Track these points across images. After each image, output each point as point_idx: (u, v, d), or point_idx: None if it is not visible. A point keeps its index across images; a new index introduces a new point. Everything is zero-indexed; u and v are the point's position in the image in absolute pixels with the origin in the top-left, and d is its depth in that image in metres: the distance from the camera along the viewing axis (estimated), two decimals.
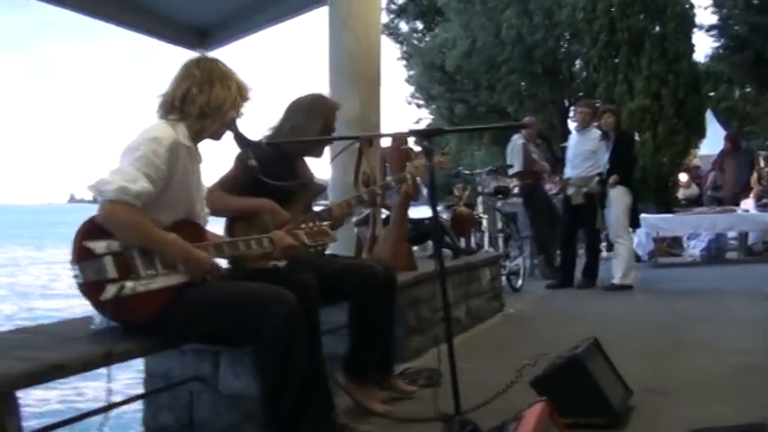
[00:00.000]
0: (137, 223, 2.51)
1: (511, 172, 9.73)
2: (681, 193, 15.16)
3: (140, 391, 3.44)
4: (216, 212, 3.16)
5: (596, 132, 8.50)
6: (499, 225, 8.94)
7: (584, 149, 8.52)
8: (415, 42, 27.17)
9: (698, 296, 7.78)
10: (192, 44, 10.85)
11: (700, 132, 15.63)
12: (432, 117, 26.68)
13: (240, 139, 2.85)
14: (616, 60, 15.96)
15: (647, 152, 14.69)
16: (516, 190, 9.77)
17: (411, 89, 27.01)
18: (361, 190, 4.84)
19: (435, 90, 23.34)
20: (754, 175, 12.79)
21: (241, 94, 2.83)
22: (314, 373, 2.77)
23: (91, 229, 2.51)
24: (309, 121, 3.60)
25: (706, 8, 21.53)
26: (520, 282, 8.51)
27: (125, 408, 3.13)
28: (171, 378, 3.35)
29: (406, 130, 2.96)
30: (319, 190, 3.74)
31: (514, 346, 5.17)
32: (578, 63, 21.85)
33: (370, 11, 6.09)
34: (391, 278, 3.64)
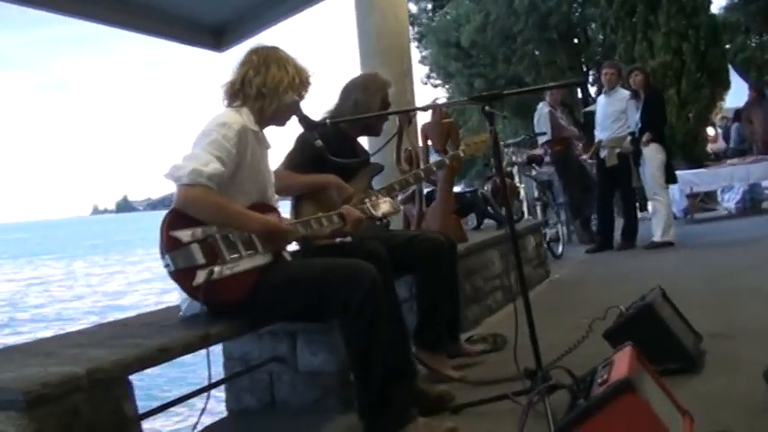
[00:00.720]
0: (214, 202, 2.62)
1: (541, 140, 9.75)
2: (709, 148, 15.10)
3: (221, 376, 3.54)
4: (282, 191, 3.28)
5: (624, 92, 8.51)
6: (536, 193, 9.00)
7: (613, 110, 8.54)
8: (427, 22, 27.16)
9: (741, 246, 7.79)
10: (209, 44, 10.94)
11: (724, 84, 15.52)
12: (449, 95, 26.70)
13: (305, 121, 2.94)
14: (633, 20, 15.85)
15: (672, 108, 14.57)
16: (548, 158, 9.81)
17: (425, 69, 27.05)
18: (404, 167, 4.94)
19: (453, 67, 23.37)
20: None
21: (300, 76, 2.92)
22: (397, 339, 2.86)
23: (174, 220, 2.61)
24: (368, 99, 3.69)
25: None
26: (560, 248, 8.57)
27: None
28: (250, 361, 3.44)
29: (464, 98, 3.01)
30: (378, 169, 3.82)
31: (568, 308, 5.23)
32: (594, 26, 21.71)
33: None
34: (453, 246, 3.75)
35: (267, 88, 2.85)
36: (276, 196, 3.09)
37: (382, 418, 2.64)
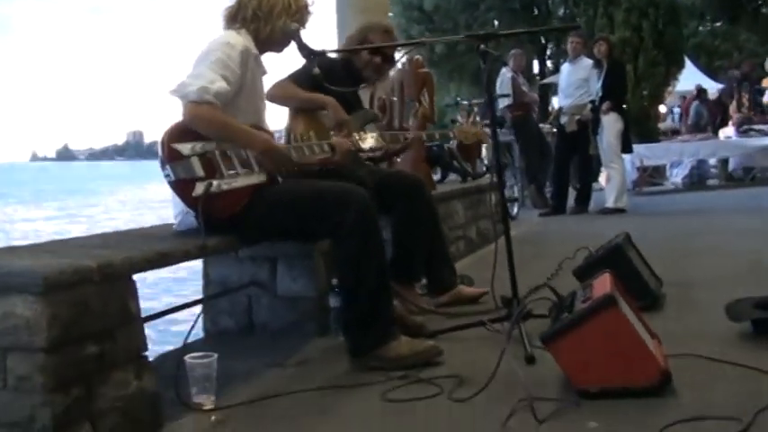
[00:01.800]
0: (220, 119, 2.72)
1: (501, 104, 9.89)
2: (660, 125, 15.50)
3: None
4: (281, 100, 3.41)
5: (588, 61, 8.69)
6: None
7: (576, 78, 8.72)
8: None
9: (689, 215, 8.11)
10: None
11: (679, 64, 15.86)
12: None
13: (304, 48, 3.01)
14: None
15: (628, 84, 14.88)
16: (507, 122, 9.96)
17: None
18: (379, 114, 5.03)
19: (414, 30, 23.38)
20: (733, 104, 13.13)
21: (296, 2, 2.99)
22: (381, 261, 2.98)
23: (177, 132, 2.69)
24: (353, 42, 3.79)
25: None
26: (516, 209, 8.76)
27: (182, 316, 3.34)
28: (229, 285, 3.52)
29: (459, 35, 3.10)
30: (372, 117, 3.92)
31: (530, 259, 5.39)
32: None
33: None
34: (426, 185, 3.88)
35: (262, 11, 2.93)
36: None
37: (367, 333, 2.76)
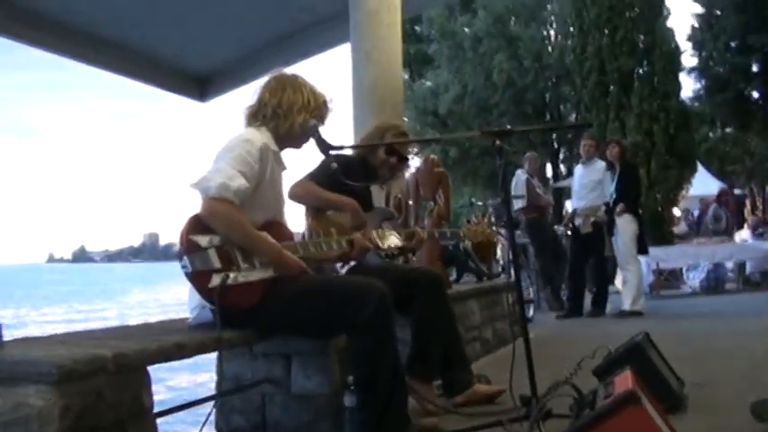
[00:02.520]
0: (237, 221, 2.74)
1: (515, 206, 9.95)
2: (675, 229, 15.51)
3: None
4: (302, 199, 3.42)
5: (601, 163, 8.78)
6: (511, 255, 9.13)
7: (589, 180, 8.78)
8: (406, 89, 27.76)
9: (707, 318, 8.01)
10: (193, 93, 11.09)
11: (692, 167, 16.04)
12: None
13: (322, 144, 3.06)
14: (607, 100, 16.42)
15: (642, 187, 15.03)
16: (522, 224, 9.99)
17: None
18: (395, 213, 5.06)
19: (429, 134, 23.83)
20: (748, 206, 13.16)
21: (315, 99, 3.07)
22: (396, 363, 2.93)
23: (195, 225, 2.71)
24: (369, 140, 3.86)
25: (683, 51, 22.20)
26: (531, 311, 8.68)
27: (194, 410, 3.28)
28: (242, 381, 3.48)
29: (475, 131, 3.15)
30: (389, 215, 3.95)
31: (548, 359, 5.30)
32: (568, 105, 22.34)
33: (392, 44, 6.36)
34: (444, 282, 3.86)
35: (282, 109, 3.00)
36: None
37: (382, 430, 2.70)
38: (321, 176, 3.57)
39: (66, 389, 1.95)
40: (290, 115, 3.01)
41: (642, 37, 16.60)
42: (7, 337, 2.34)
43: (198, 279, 2.66)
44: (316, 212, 3.63)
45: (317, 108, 3.08)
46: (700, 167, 16.71)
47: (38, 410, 1.93)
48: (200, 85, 10.93)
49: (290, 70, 3.20)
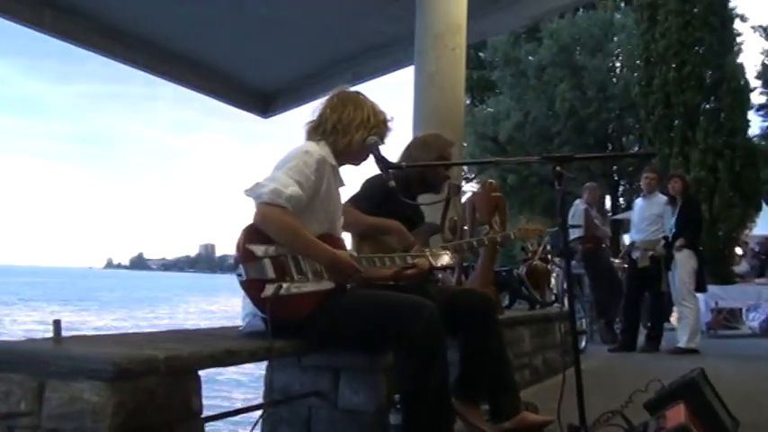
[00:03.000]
0: (289, 224, 2.76)
1: (572, 236, 9.84)
2: (735, 269, 15.14)
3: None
4: (347, 226, 3.41)
5: (662, 197, 8.65)
6: (565, 285, 9.04)
7: (650, 214, 8.65)
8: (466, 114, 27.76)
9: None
10: (257, 108, 11.29)
11: (756, 206, 15.67)
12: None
13: (383, 161, 3.08)
14: (671, 134, 16.18)
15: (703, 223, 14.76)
16: (578, 254, 9.88)
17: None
18: (447, 236, 5.06)
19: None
20: None
21: (375, 117, 3.10)
22: (445, 382, 2.92)
23: (252, 234, 2.75)
24: (427, 156, 3.85)
25: (753, 89, 21.77)
26: (584, 342, 8.55)
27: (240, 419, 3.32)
28: (290, 393, 3.50)
29: (535, 156, 3.15)
30: (436, 229, 3.96)
31: (599, 391, 5.22)
32: (630, 137, 22.07)
33: (456, 68, 6.40)
34: (495, 304, 3.84)
35: (341, 124, 3.05)
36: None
37: None
38: (362, 199, 3.58)
39: (119, 386, 1.99)
40: (349, 131, 3.04)
41: (710, 72, 16.34)
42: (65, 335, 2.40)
43: (252, 288, 2.69)
44: (360, 238, 3.64)
45: (377, 126, 3.11)
46: (764, 206, 16.30)
47: (92, 406, 1.97)
48: (264, 101, 11.14)
49: (353, 89, 3.24)
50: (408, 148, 3.97)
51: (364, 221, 3.57)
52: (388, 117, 3.17)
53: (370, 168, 3.21)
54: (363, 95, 3.17)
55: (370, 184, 3.67)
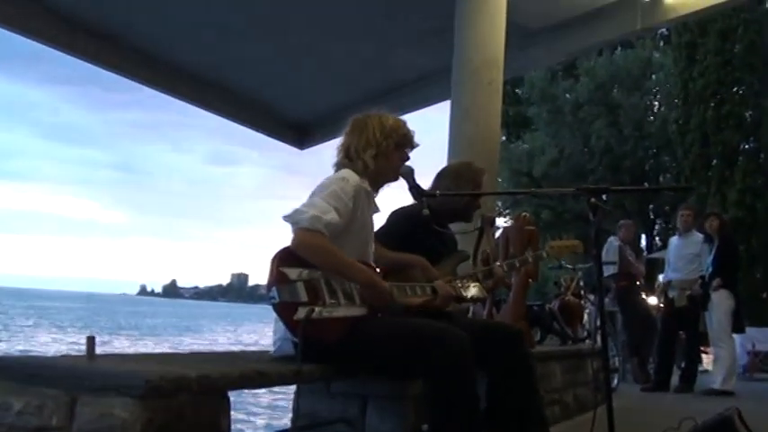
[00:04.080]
0: (328, 248, 2.79)
1: (606, 273, 9.74)
2: None
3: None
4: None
5: (699, 236, 8.55)
6: (598, 322, 8.94)
7: (687, 252, 8.56)
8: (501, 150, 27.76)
9: None
10: (293, 140, 11.39)
11: None
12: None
13: (416, 188, 3.10)
14: (709, 173, 16.06)
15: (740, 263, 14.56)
16: (611, 293, 9.77)
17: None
18: (479, 269, 5.04)
19: (522, 196, 23.72)
20: None
21: (383, 130, 3.12)
22: (474, 413, 2.90)
23: (286, 257, 2.77)
24: (458, 185, 3.86)
25: None
26: (616, 381, 8.43)
27: None
28: (317, 419, 3.49)
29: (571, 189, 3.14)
30: (464, 257, 3.95)
31: (631, 429, 5.15)
32: (667, 175, 21.90)
33: (492, 102, 6.43)
34: (525, 337, 3.80)
35: (352, 150, 3.10)
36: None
37: None
38: (387, 234, 3.59)
39: (150, 403, 2.00)
40: (359, 155, 3.08)
41: (750, 112, 16.23)
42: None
43: (284, 311, 2.71)
44: (383, 274, 3.64)
45: (388, 137, 3.11)
46: None
47: (122, 421, 1.99)
48: (301, 132, 11.24)
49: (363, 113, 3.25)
50: (440, 177, 3.97)
51: (387, 256, 3.55)
52: (401, 123, 3.18)
53: (402, 199, 3.23)
54: (371, 115, 3.19)
55: (396, 218, 3.67)
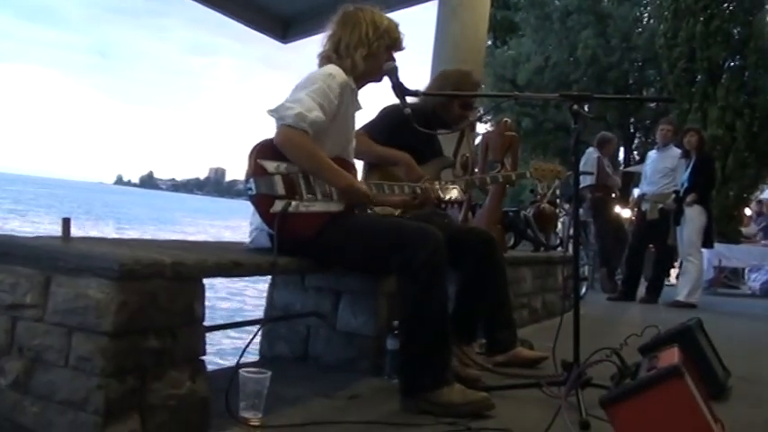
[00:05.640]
0: (310, 149, 2.77)
1: (583, 184, 9.80)
2: (742, 229, 15.14)
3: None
4: (358, 154, 3.40)
5: (676, 150, 8.58)
6: (571, 230, 9.05)
7: (663, 166, 8.60)
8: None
9: (765, 320, 7.82)
10: (276, 33, 11.13)
11: None
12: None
13: (398, 87, 3.06)
14: (692, 89, 16.00)
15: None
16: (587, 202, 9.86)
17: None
18: (458, 172, 5.05)
19: (505, 102, 23.53)
20: None
21: (376, 30, 3.05)
22: (444, 311, 2.95)
23: (265, 150, 2.76)
24: (442, 86, 3.84)
25: None
26: (584, 289, 8.60)
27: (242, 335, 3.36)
28: (290, 312, 3.55)
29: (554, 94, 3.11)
30: (449, 163, 3.95)
31: (595, 334, 5.27)
32: (651, 89, 21.82)
33: (481, 2, 6.31)
34: (497, 243, 3.85)
35: (342, 47, 3.03)
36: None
37: (422, 374, 2.73)
38: (376, 131, 3.58)
39: (124, 286, 2.02)
40: (349, 52, 3.02)
41: (738, 29, 16.06)
42: None
43: (261, 202, 2.71)
44: (369, 167, 3.64)
45: (380, 38, 3.05)
46: None
47: (96, 302, 2.01)
48: (284, 25, 10.97)
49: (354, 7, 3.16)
50: (433, 79, 3.96)
51: (374, 150, 3.56)
52: (394, 24, 3.12)
53: (389, 97, 3.18)
54: (364, 10, 3.11)
55: (385, 113, 3.65)
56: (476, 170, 5.39)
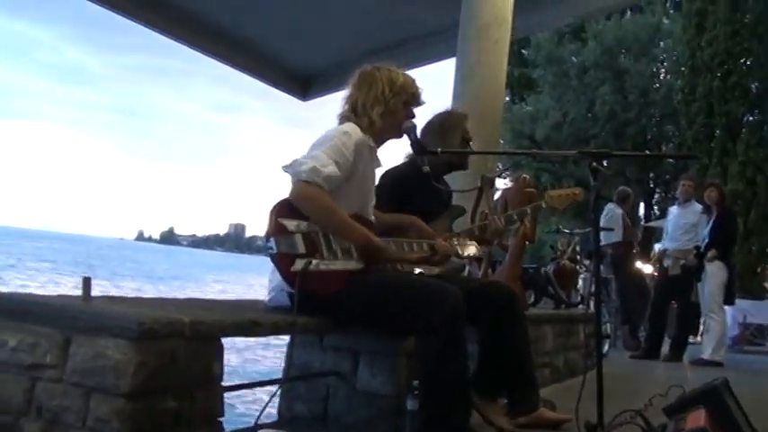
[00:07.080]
0: (325, 203, 2.78)
1: (606, 240, 9.73)
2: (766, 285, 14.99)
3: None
4: None
5: (698, 206, 8.54)
6: (592, 287, 8.98)
7: (684, 222, 8.55)
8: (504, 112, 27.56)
9: None
10: (296, 91, 11.29)
11: None
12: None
13: (418, 145, 3.08)
14: (711, 144, 15.99)
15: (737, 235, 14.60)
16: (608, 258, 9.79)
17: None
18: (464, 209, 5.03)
19: (523, 158, 23.60)
20: None
21: (392, 86, 3.08)
22: (463, 371, 2.91)
23: (285, 208, 2.77)
24: (447, 136, 3.83)
25: None
26: (606, 347, 8.49)
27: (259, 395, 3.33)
28: (309, 371, 3.52)
29: (573, 151, 3.10)
30: (460, 212, 3.93)
31: (617, 397, 5.17)
32: (670, 145, 21.82)
33: (498, 60, 6.36)
34: (519, 299, 3.81)
35: (359, 106, 3.06)
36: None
37: None
38: (380, 200, 3.56)
39: (143, 346, 2.02)
40: (366, 111, 3.04)
41: (756, 84, 16.09)
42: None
43: (282, 261, 2.71)
44: (381, 235, 3.63)
45: (397, 95, 3.08)
46: None
47: (114, 362, 2.00)
48: (304, 83, 11.13)
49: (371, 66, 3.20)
50: (426, 133, 3.87)
51: (382, 220, 3.52)
52: (410, 80, 3.14)
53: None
54: (380, 69, 3.14)
55: (387, 180, 3.63)
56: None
